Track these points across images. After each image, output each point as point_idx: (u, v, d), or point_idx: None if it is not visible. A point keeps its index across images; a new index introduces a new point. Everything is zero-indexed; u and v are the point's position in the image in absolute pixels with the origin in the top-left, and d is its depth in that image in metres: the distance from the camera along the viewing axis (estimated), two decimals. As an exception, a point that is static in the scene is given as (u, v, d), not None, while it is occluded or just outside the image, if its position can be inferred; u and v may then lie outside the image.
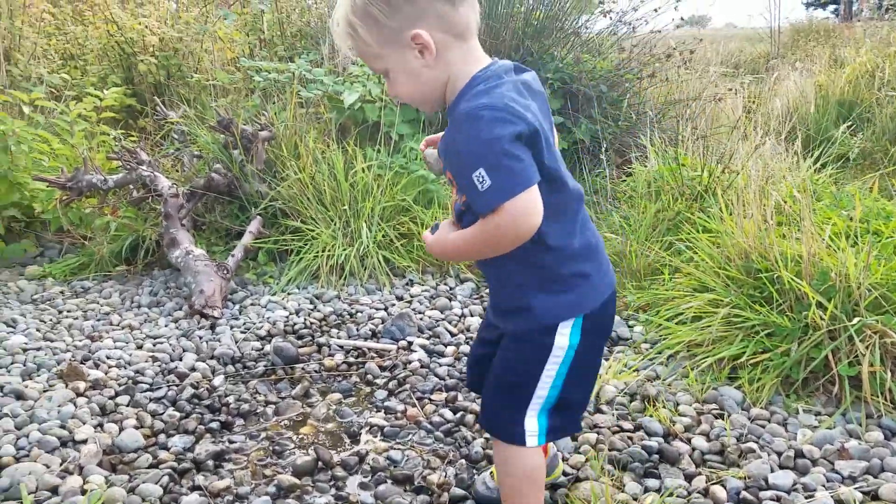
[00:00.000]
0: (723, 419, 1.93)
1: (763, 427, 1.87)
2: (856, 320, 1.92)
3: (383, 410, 2.09)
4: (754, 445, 1.78)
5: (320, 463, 1.80)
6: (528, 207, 1.07)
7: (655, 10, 4.25)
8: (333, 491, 1.70)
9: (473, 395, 2.14)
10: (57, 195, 3.27)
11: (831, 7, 18.23)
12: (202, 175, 3.37)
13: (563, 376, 1.29)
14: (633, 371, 2.20)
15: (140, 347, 2.51)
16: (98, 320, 2.75)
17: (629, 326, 2.55)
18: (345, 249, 3.05)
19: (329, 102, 3.66)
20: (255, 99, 4.17)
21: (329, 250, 3.06)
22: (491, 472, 1.65)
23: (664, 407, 1.98)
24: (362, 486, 1.71)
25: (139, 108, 4.67)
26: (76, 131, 3.79)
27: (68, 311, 2.83)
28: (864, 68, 5.74)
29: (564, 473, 1.70)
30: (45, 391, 2.17)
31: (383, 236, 3.13)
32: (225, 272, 2.88)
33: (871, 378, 1.88)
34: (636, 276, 2.86)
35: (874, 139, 5.27)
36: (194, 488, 1.71)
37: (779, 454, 1.75)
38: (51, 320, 2.74)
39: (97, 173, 3.31)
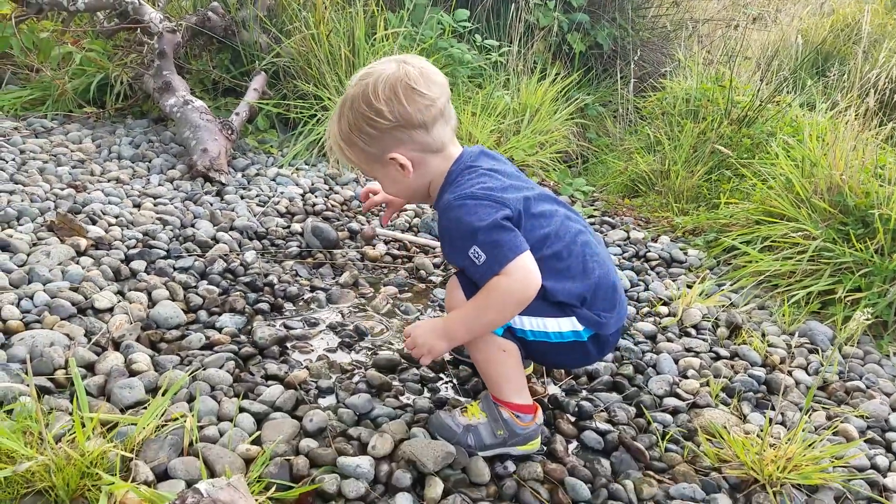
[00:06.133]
0: (815, 354, 1.83)
1: (862, 366, 1.80)
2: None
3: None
4: (860, 384, 1.70)
5: (403, 361, 1.56)
6: (526, 269, 1.13)
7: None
8: (428, 394, 1.47)
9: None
10: (9, 8, 2.65)
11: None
12: (190, 12, 2.84)
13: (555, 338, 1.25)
14: (705, 296, 2.06)
15: (138, 206, 2.10)
16: (73, 168, 2.28)
17: (681, 249, 2.40)
18: (364, 125, 2.69)
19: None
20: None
21: (346, 124, 2.68)
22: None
23: (751, 337, 1.86)
24: (455, 389, 1.50)
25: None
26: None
27: (32, 153, 2.33)
28: (844, 21, 5.76)
29: (681, 398, 1.56)
30: (34, 245, 1.75)
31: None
32: (230, 132, 2.45)
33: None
34: (678, 198, 2.71)
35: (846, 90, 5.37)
36: (269, 377, 1.43)
37: (887, 395, 1.68)
38: (14, 161, 2.24)
39: (62, -11, 2.71)
